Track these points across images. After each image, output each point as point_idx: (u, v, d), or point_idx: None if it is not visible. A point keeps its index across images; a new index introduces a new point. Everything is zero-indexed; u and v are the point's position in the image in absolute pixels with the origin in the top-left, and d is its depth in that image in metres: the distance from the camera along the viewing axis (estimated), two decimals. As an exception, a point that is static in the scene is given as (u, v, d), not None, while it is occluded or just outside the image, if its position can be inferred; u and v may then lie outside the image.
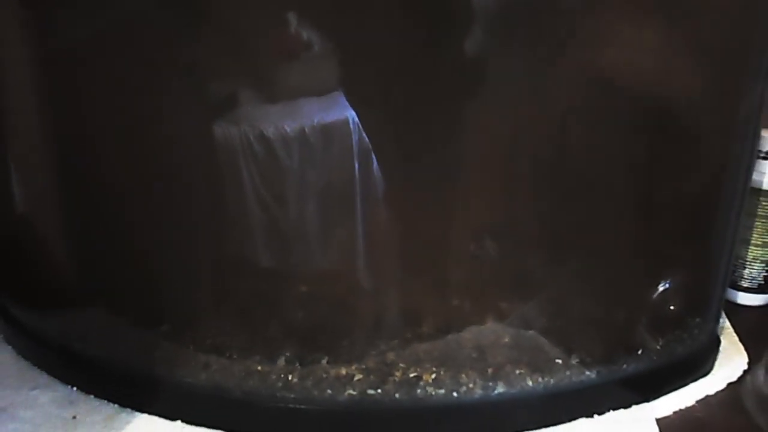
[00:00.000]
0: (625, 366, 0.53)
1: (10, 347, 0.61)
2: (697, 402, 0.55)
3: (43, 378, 0.56)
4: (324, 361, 0.50)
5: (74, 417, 0.52)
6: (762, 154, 0.65)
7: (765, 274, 0.68)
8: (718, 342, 0.59)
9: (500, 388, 0.50)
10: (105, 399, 0.53)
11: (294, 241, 0.51)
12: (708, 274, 0.58)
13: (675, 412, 0.54)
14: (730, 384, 0.57)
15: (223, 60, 0.47)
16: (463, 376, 0.50)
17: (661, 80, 0.49)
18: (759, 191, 0.65)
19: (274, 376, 0.50)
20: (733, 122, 0.53)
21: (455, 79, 0.46)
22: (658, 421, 0.52)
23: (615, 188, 0.50)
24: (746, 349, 0.61)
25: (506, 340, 0.52)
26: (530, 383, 0.51)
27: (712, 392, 0.56)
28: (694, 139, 0.51)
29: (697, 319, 0.57)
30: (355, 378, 0.50)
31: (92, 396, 0.54)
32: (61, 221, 0.57)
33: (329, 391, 0.49)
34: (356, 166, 0.48)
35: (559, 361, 0.51)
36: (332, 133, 0.47)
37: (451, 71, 0.46)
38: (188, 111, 0.48)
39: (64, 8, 0.49)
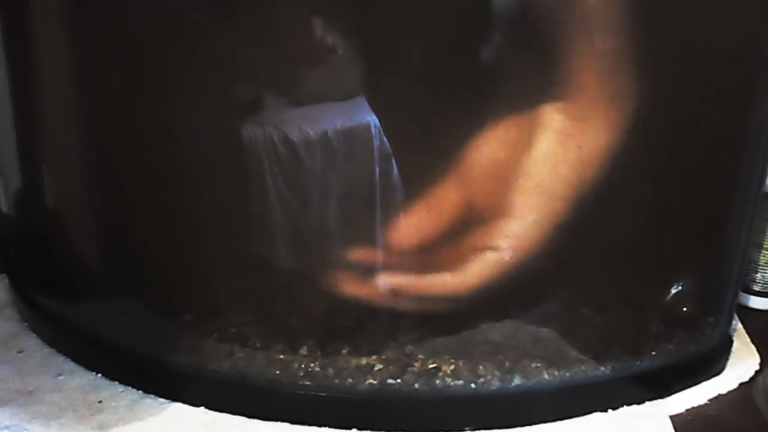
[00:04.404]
0: (638, 363, 0.54)
1: (34, 335, 0.62)
2: (710, 400, 0.56)
3: (69, 365, 0.58)
4: (345, 351, 0.51)
5: (99, 402, 0.53)
6: (775, 160, 0.66)
7: (777, 278, 0.69)
8: (731, 342, 0.60)
9: (517, 381, 0.51)
10: (129, 385, 0.55)
11: (315, 240, 0.52)
12: (721, 276, 0.59)
13: (687, 410, 0.55)
14: (741, 384, 0.58)
15: (250, 63, 0.48)
16: (481, 368, 0.51)
17: (675, 88, 0.50)
18: (772, 197, 0.66)
19: (296, 365, 0.51)
20: (747, 129, 0.54)
21: (475, 86, 0.47)
22: (671, 418, 0.53)
23: (630, 192, 0.51)
24: (758, 351, 0.61)
25: (523, 335, 0.53)
26: (546, 377, 0.52)
27: (724, 391, 0.57)
28: (709, 145, 0.52)
29: (710, 319, 0.58)
30: (375, 368, 0.51)
31: (117, 382, 0.55)
32: (89, 212, 0.58)
33: (350, 380, 0.51)
34: (377, 169, 0.49)
35: (575, 356, 0.52)
36: (354, 137, 0.48)
37: (472, 78, 0.47)
38: (216, 112, 0.50)
39: (97, 7, 0.50)
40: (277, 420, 0.51)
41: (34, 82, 0.57)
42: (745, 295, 0.69)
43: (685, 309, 0.56)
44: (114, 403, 0.53)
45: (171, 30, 0.48)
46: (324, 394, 0.51)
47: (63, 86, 0.54)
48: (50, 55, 0.54)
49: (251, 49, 0.48)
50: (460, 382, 0.51)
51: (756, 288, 0.69)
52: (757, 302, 0.69)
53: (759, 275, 0.69)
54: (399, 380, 0.51)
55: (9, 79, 0.58)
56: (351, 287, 0.51)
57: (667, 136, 0.51)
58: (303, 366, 0.51)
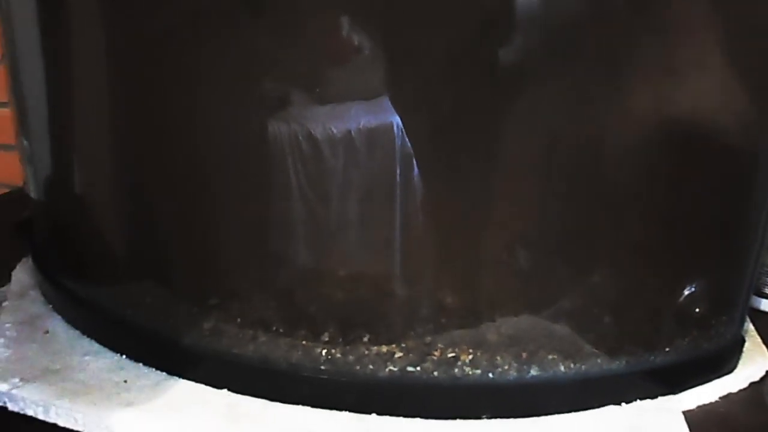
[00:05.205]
0: (652, 358, 0.55)
1: (59, 317, 0.63)
2: (721, 398, 0.57)
3: (93, 346, 0.59)
4: (365, 339, 0.52)
5: (125, 381, 0.54)
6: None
7: (788, 282, 0.69)
8: (743, 342, 0.61)
9: (534, 372, 0.52)
10: (154, 367, 0.56)
11: (336, 234, 0.53)
12: (735, 277, 0.60)
13: (699, 407, 0.55)
14: (752, 383, 0.59)
15: (276, 61, 0.49)
16: (498, 358, 0.52)
17: (692, 94, 0.51)
18: (785, 201, 0.67)
19: (318, 351, 0.52)
20: (762, 132, 0.55)
21: (497, 89, 0.48)
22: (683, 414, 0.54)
23: (647, 194, 0.52)
24: (769, 352, 0.62)
25: (539, 329, 0.54)
26: (562, 369, 0.53)
27: (734, 390, 0.58)
28: (724, 149, 0.53)
29: (723, 318, 0.59)
30: (396, 355, 0.52)
31: (141, 363, 0.56)
32: (116, 197, 0.60)
33: (371, 367, 0.52)
34: (398, 168, 0.50)
35: (590, 350, 0.53)
36: (377, 136, 0.49)
37: (494, 81, 0.48)
38: (243, 107, 0.51)
39: (128, 4, 0.52)
40: (298, 404, 0.52)
41: (66, 73, 0.58)
42: (757, 298, 0.70)
43: (697, 310, 0.57)
44: (139, 383, 0.54)
45: (200, 27, 0.49)
46: (345, 380, 0.52)
47: (93, 78, 0.56)
48: (82, 50, 0.56)
49: (278, 47, 0.49)
50: (478, 371, 0.52)
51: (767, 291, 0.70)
52: (768, 305, 0.70)
53: (771, 279, 0.70)
54: (418, 368, 0.52)
55: (43, 70, 0.59)
56: None
57: (683, 143, 0.52)
58: (325, 352, 0.52)
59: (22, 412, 0.52)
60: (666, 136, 0.51)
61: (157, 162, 0.55)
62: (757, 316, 0.68)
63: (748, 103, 0.53)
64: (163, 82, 0.52)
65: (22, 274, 0.70)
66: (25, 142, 0.66)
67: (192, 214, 0.55)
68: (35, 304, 0.65)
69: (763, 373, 0.60)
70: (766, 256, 0.69)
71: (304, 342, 0.53)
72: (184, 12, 0.49)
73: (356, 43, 0.48)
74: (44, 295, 0.66)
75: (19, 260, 0.73)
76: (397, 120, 0.49)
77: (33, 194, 0.68)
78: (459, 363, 0.52)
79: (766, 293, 0.70)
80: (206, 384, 0.54)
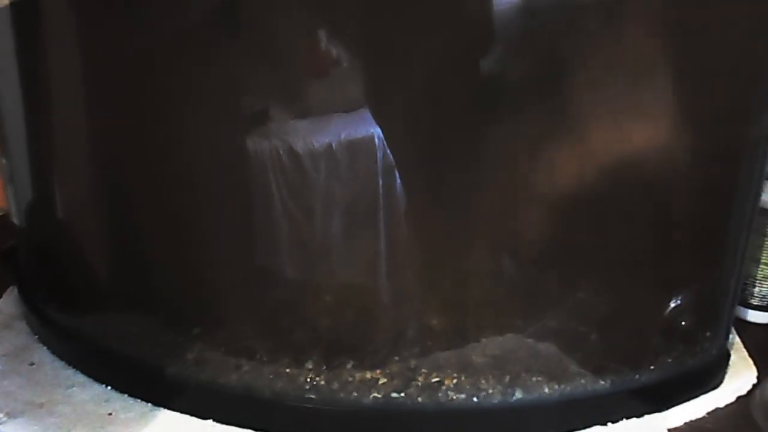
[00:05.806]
0: (638, 377, 0.55)
1: (45, 347, 0.63)
2: (708, 414, 0.57)
3: (79, 377, 0.59)
4: (349, 365, 0.52)
5: (110, 414, 0.54)
6: (772, 177, 0.67)
7: (774, 292, 0.69)
8: (728, 356, 0.61)
9: (518, 394, 0.52)
10: (139, 398, 0.56)
11: (319, 252, 0.53)
12: (718, 291, 0.60)
13: (686, 423, 0.55)
14: (739, 397, 0.59)
15: (256, 76, 0.50)
16: (483, 381, 0.52)
17: (671, 104, 0.51)
18: (769, 212, 0.67)
19: (302, 379, 0.52)
20: (743, 146, 0.55)
21: (477, 101, 0.48)
22: (669, 431, 0.54)
23: (629, 210, 0.53)
24: (755, 364, 0.62)
25: (524, 350, 0.54)
26: (547, 390, 0.53)
27: (722, 405, 0.58)
28: (705, 162, 0.53)
29: (708, 334, 0.59)
30: (380, 382, 0.52)
31: (126, 395, 0.56)
32: (99, 227, 0.59)
33: (355, 394, 0.52)
34: (380, 181, 0.50)
35: (575, 371, 0.53)
36: (358, 148, 0.49)
37: (474, 93, 0.48)
38: (223, 125, 0.51)
39: (107, 26, 0.52)
40: (283, 433, 0.52)
41: (46, 97, 0.58)
42: (743, 309, 0.70)
43: (683, 323, 0.57)
44: (124, 415, 0.54)
45: (179, 46, 0.49)
46: (329, 408, 0.52)
47: (74, 102, 0.56)
48: (62, 72, 0.55)
49: (258, 62, 0.49)
50: (463, 395, 0.52)
51: (754, 302, 0.70)
52: (755, 316, 0.70)
53: (756, 289, 0.70)
54: (403, 394, 0.52)
55: (22, 95, 0.59)
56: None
57: (664, 156, 0.52)
58: (309, 379, 0.52)
59: (6, 448, 0.52)
60: (651, 156, 0.51)
61: (139, 189, 0.55)
62: (744, 328, 0.68)
63: (728, 115, 0.53)
64: (144, 106, 0.52)
65: (7, 304, 0.70)
66: (6, 168, 0.66)
67: (175, 242, 0.55)
68: (21, 335, 0.65)
69: (749, 387, 0.60)
70: (752, 267, 0.69)
71: (287, 370, 0.53)
72: (165, 33, 0.49)
73: (335, 55, 0.48)
74: (30, 325, 0.66)
75: (5, 290, 0.72)
76: (378, 131, 0.49)
77: (16, 221, 0.68)
78: (443, 388, 0.52)
79: (752, 304, 0.70)
80: (191, 415, 0.54)
